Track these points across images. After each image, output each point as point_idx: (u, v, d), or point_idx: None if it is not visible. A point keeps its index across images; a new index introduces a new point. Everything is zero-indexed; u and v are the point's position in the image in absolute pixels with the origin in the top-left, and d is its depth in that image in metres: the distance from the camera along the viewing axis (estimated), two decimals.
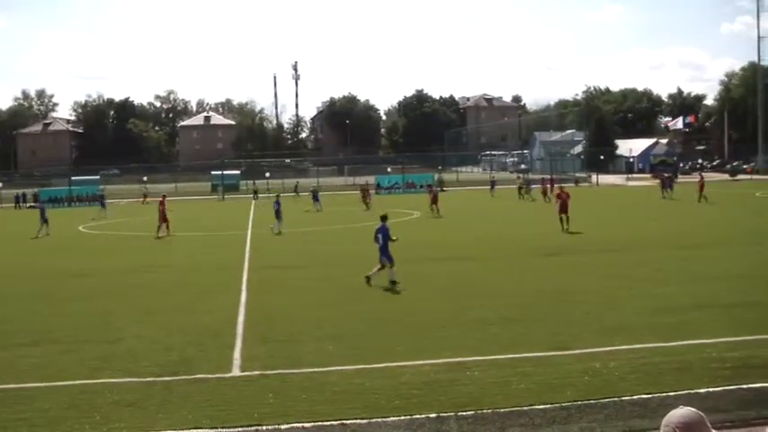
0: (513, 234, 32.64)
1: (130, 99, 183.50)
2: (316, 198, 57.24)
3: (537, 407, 10.25)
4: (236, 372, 12.59)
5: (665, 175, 61.75)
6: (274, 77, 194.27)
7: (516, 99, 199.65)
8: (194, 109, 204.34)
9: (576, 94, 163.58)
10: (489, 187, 70.13)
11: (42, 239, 39.14)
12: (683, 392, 10.47)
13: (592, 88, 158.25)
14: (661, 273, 21.55)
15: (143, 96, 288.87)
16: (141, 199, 74.00)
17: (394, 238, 21.11)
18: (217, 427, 9.92)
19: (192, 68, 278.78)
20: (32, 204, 79.09)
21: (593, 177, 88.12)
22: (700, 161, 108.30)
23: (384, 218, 21.92)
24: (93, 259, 30.17)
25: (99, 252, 33.21)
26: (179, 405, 10.88)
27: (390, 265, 20.56)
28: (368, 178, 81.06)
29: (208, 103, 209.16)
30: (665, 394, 10.44)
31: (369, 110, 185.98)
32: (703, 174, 62.53)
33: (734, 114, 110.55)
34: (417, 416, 10.04)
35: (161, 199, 40.98)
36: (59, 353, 14.30)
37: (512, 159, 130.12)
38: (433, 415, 10.05)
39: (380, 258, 20.88)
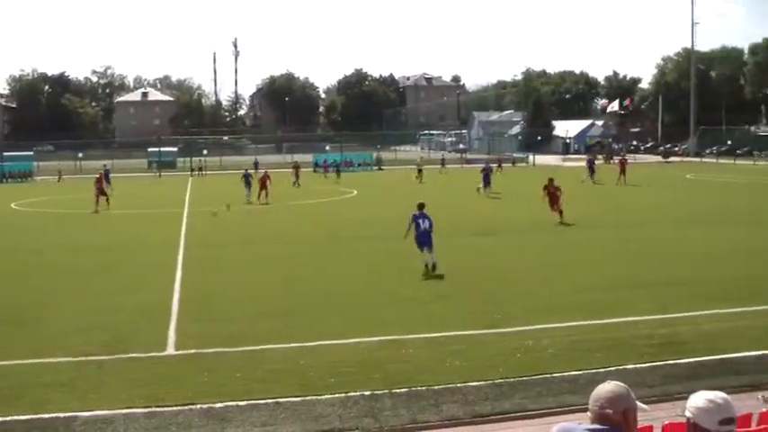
0: (442, 213, 32.70)
1: (66, 74, 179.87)
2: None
3: (470, 384, 10.39)
4: (170, 350, 12.53)
5: (590, 157, 59.70)
6: (214, 54, 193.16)
7: (456, 79, 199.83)
8: (131, 85, 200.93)
9: (515, 75, 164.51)
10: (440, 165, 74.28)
11: None
12: (613, 369, 10.72)
13: (530, 70, 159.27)
14: (598, 252, 22.00)
15: (79, 71, 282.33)
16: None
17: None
18: (150, 406, 9.85)
19: (131, 43, 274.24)
20: None
21: (531, 157, 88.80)
22: (634, 143, 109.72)
23: (422, 205, 19.82)
24: (25, 237, 29.59)
25: (31, 230, 32.55)
26: (112, 384, 10.80)
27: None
28: (305, 156, 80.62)
29: (145, 79, 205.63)
30: (594, 371, 10.67)
31: (308, 88, 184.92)
32: (625, 157, 61.95)
33: (668, 98, 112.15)
34: (352, 393, 10.10)
35: (98, 175, 42.73)
36: None
37: (450, 139, 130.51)
38: (368, 392, 10.12)
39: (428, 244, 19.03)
